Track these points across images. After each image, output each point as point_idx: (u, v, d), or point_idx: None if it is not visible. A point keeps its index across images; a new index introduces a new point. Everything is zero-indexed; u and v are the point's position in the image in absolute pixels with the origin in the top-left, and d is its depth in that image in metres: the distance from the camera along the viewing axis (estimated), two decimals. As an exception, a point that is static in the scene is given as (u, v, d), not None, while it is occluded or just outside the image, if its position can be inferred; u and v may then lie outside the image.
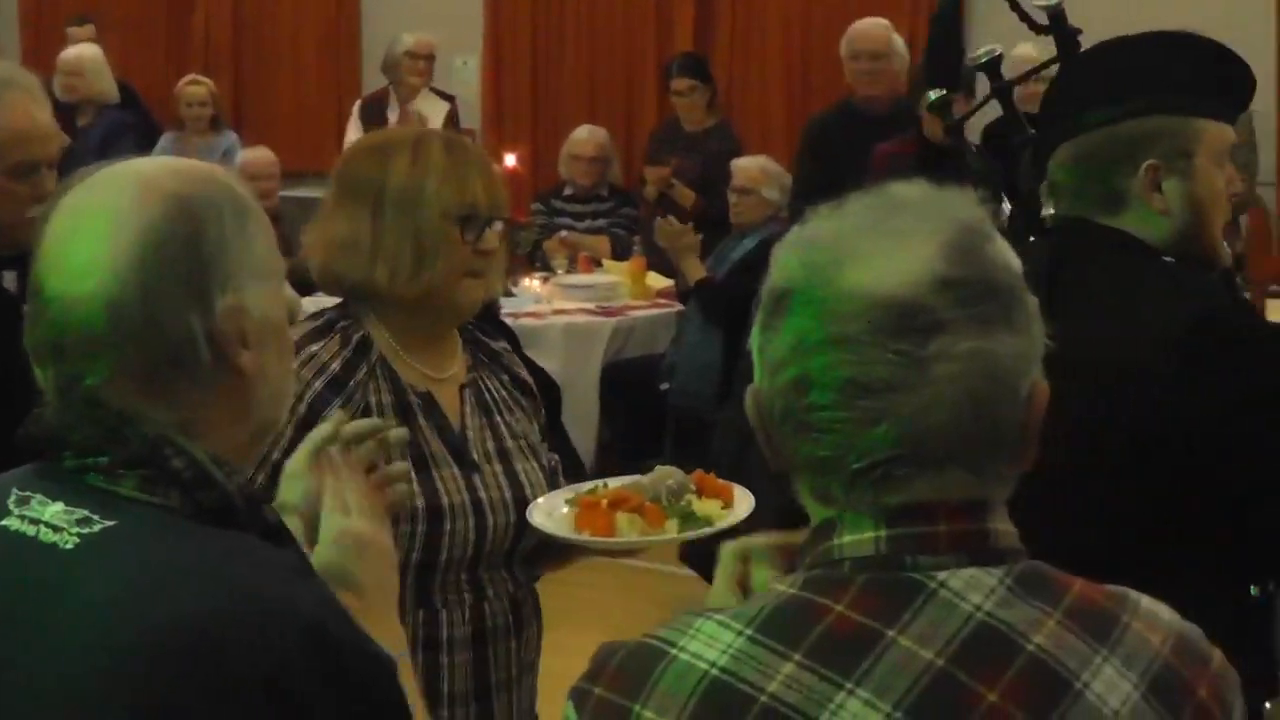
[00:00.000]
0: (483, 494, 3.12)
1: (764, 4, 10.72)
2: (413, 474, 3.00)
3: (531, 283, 9.14)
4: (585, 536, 3.07)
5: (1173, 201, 2.88)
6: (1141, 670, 1.67)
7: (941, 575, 1.65)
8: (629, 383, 8.51)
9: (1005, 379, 1.65)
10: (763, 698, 1.60)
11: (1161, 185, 2.87)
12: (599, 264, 9.51)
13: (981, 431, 1.65)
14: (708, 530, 3.07)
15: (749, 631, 1.64)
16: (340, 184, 3.15)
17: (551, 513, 3.12)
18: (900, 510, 1.66)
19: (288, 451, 2.91)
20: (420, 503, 3.05)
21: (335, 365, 3.06)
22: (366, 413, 3.01)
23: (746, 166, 8.45)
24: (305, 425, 2.92)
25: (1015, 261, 1.71)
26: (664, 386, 8.50)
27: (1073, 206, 2.93)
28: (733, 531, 3.14)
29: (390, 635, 2.16)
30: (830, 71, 9.32)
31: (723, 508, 3.14)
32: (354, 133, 10.22)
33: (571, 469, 3.55)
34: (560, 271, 9.37)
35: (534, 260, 9.53)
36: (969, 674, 1.61)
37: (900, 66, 8.73)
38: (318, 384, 3.04)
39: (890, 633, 1.62)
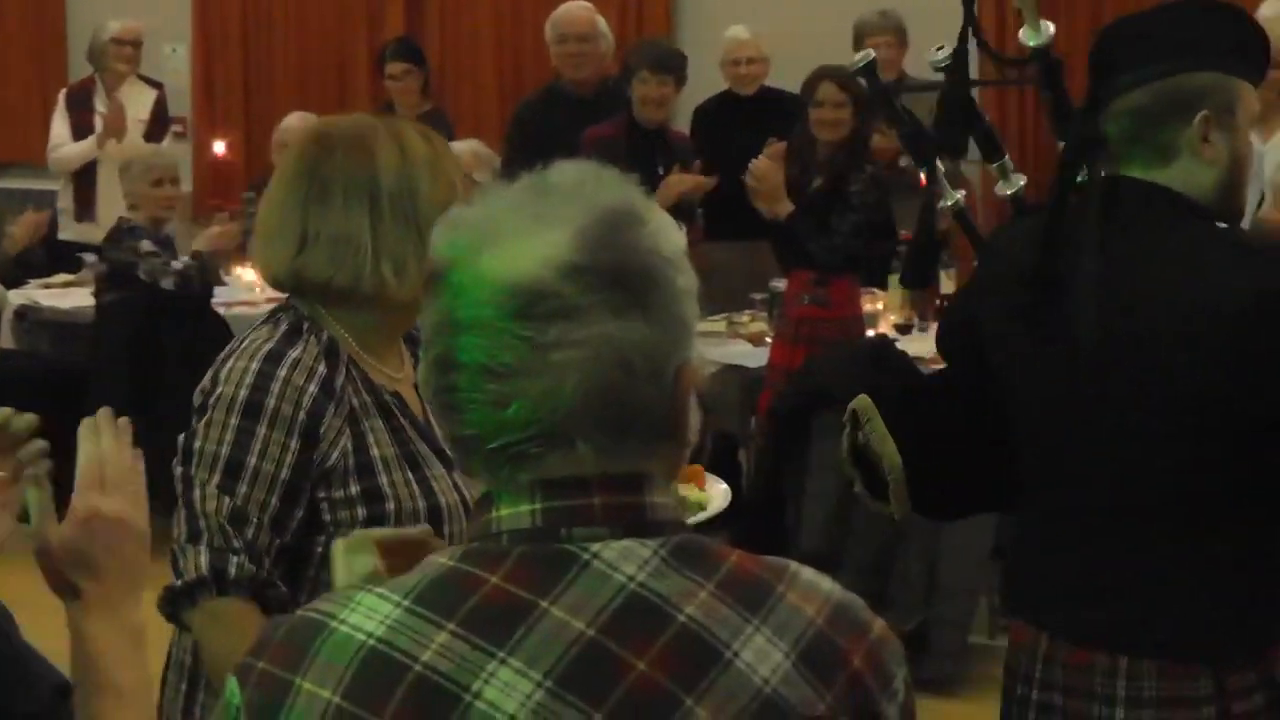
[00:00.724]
0: (466, 493, 3.00)
1: (471, -15, 10.71)
2: (409, 474, 2.95)
3: (244, 272, 9.05)
4: None
5: (1219, 153, 3.00)
6: (793, 639, 1.70)
7: (595, 547, 1.68)
8: (345, 368, 8.46)
9: (638, 364, 1.67)
10: (417, 666, 1.62)
11: (1209, 137, 2.99)
12: (315, 250, 9.42)
13: (614, 414, 1.68)
14: (703, 515, 3.06)
15: (406, 603, 1.66)
16: (316, 178, 2.95)
17: None
18: (552, 484, 1.69)
19: (294, 466, 2.85)
20: (421, 504, 2.94)
21: (321, 367, 2.91)
22: (352, 416, 2.92)
23: (459, 151, 8.43)
24: (306, 433, 2.87)
25: (667, 245, 1.73)
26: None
27: (1123, 159, 3.03)
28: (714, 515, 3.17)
29: (127, 622, 2.15)
30: (542, 55, 9.34)
31: (698, 490, 3.15)
32: (60, 123, 10.01)
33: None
34: (274, 259, 9.27)
35: (247, 249, 9.43)
36: (619, 643, 1.64)
37: (606, 49, 8.80)
38: (312, 388, 2.88)
39: (543, 603, 1.65)
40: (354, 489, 2.91)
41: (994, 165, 3.82)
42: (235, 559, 2.82)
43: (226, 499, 2.83)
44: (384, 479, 2.93)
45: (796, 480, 6.57)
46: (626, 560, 1.68)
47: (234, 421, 2.85)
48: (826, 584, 1.78)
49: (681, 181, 7.86)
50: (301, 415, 2.86)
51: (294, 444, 2.85)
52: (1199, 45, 3.00)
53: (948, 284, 7.59)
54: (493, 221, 1.70)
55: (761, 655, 1.68)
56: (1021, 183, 3.82)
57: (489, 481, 1.72)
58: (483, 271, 1.67)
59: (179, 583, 2.84)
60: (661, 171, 7.91)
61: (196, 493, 2.84)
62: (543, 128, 8.15)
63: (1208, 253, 2.96)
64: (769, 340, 7.00)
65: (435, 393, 1.72)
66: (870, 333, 6.90)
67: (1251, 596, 2.98)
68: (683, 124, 8.66)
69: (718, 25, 9.18)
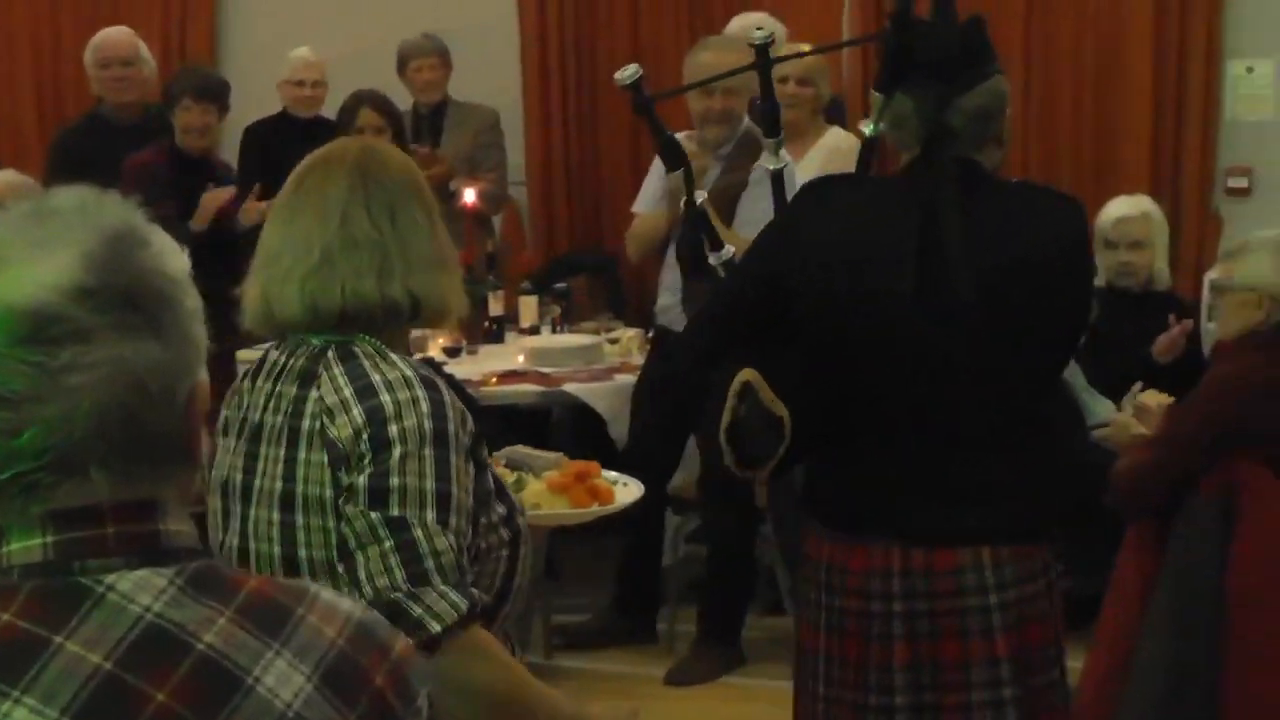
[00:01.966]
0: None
1: (8, 11, 10.38)
2: (509, 494, 2.95)
3: None
4: (596, 509, 3.41)
5: (1005, 140, 3.69)
6: (315, 661, 1.70)
7: (110, 579, 1.66)
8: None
9: (151, 386, 1.67)
10: None
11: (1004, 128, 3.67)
12: None
13: (128, 438, 1.67)
14: (635, 497, 3.63)
15: None
16: (404, 198, 2.93)
17: None
18: (64, 515, 1.66)
19: (473, 492, 2.79)
20: (523, 523, 2.95)
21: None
22: (477, 440, 2.84)
23: (-10, 182, 8.18)
24: (474, 456, 2.82)
25: (173, 266, 1.73)
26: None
27: (959, 146, 3.55)
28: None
29: None
30: (82, 83, 9.11)
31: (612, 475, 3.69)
32: None
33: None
34: None
35: None
36: (137, 675, 1.62)
37: (149, 74, 8.65)
38: (466, 410, 2.84)
39: (57, 638, 1.62)
40: (501, 510, 2.89)
41: (772, 140, 4.31)
42: (475, 590, 2.73)
43: (451, 534, 2.72)
44: (512, 499, 2.94)
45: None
46: (142, 591, 1.66)
47: (428, 453, 2.73)
48: (346, 604, 1.79)
49: (216, 197, 7.77)
50: (467, 439, 2.79)
51: (470, 469, 2.78)
52: (993, 53, 3.61)
53: (495, 305, 7.65)
54: None
55: (283, 679, 1.67)
56: (786, 162, 4.32)
57: None
58: None
59: (438, 628, 2.68)
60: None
61: (418, 532, 2.70)
62: (84, 155, 7.96)
63: (1038, 202, 3.61)
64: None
65: None
66: (417, 356, 6.90)
67: (1055, 484, 3.69)
68: (226, 153, 8.56)
69: (262, 54, 9.13)
